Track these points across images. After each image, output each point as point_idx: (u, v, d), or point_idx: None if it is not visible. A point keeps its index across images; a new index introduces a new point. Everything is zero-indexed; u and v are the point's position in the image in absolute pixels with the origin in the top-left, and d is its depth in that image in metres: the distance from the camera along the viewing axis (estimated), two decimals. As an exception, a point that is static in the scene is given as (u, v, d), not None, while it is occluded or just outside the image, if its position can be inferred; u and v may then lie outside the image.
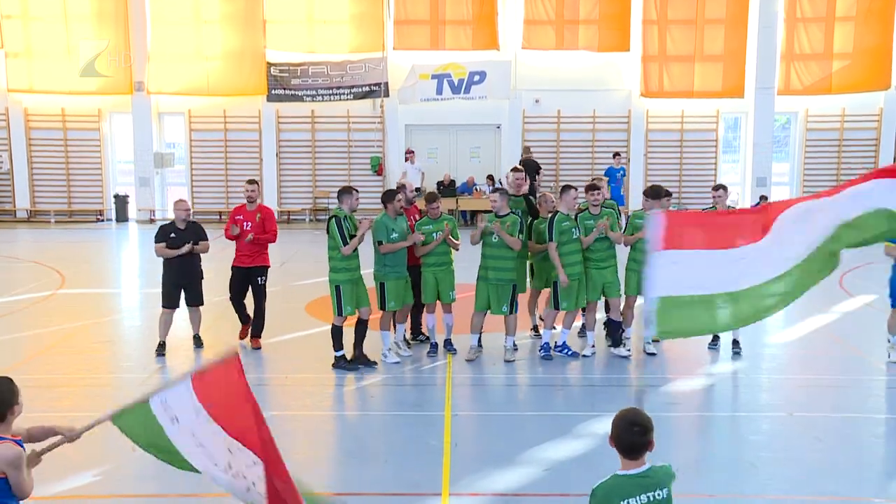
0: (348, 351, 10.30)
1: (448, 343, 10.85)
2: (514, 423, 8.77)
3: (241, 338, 11.35)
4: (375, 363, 10.31)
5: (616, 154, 23.93)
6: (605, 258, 10.57)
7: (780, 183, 26.60)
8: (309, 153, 25.80)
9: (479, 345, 10.70)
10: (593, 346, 10.82)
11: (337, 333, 10.22)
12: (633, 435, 4.02)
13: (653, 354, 10.78)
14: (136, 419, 4.45)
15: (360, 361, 10.26)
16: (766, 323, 12.85)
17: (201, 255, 10.96)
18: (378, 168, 25.35)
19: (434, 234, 10.45)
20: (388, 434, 8.50)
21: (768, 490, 7.06)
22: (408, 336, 11.24)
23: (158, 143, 25.85)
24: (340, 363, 10.21)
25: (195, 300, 11.00)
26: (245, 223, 10.98)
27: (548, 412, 9.23)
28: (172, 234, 10.74)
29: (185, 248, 10.67)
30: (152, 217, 25.28)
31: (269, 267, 11.28)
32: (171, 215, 11.25)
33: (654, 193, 10.81)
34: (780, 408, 9.11)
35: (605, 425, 8.06)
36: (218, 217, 25.44)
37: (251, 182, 11.36)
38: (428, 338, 11.06)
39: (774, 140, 25.92)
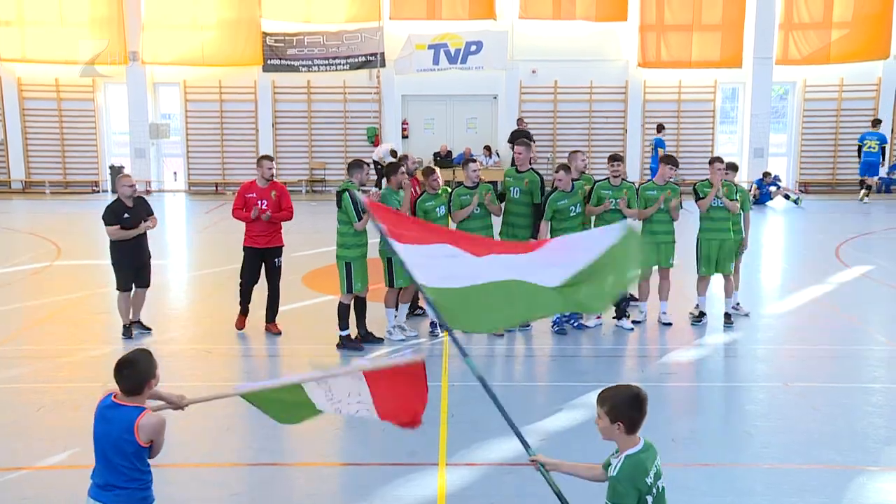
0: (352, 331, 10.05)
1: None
2: (510, 393, 8.78)
3: (240, 328, 10.69)
4: (382, 340, 10.13)
5: (661, 127, 23.83)
6: None
7: (778, 154, 26.57)
8: (305, 124, 25.67)
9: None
10: (599, 318, 10.78)
11: (344, 312, 9.85)
12: (641, 410, 4.12)
13: (668, 324, 10.81)
14: (276, 396, 4.76)
15: (366, 339, 10.06)
16: (762, 293, 12.91)
17: (147, 231, 10.38)
18: (374, 139, 25.23)
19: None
20: (386, 404, 8.50)
21: (764, 459, 7.09)
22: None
23: (154, 114, 25.69)
24: (346, 343, 9.89)
25: (145, 282, 10.50)
26: (260, 201, 10.32)
27: (544, 383, 9.26)
28: (126, 215, 10.07)
29: (145, 226, 10.20)
30: (148, 189, 25.12)
31: (283, 247, 10.70)
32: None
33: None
34: (776, 378, 9.13)
35: (601, 395, 8.14)
36: (214, 189, 25.38)
37: (269, 158, 10.62)
38: (425, 311, 10.90)
39: (772, 110, 25.83)
